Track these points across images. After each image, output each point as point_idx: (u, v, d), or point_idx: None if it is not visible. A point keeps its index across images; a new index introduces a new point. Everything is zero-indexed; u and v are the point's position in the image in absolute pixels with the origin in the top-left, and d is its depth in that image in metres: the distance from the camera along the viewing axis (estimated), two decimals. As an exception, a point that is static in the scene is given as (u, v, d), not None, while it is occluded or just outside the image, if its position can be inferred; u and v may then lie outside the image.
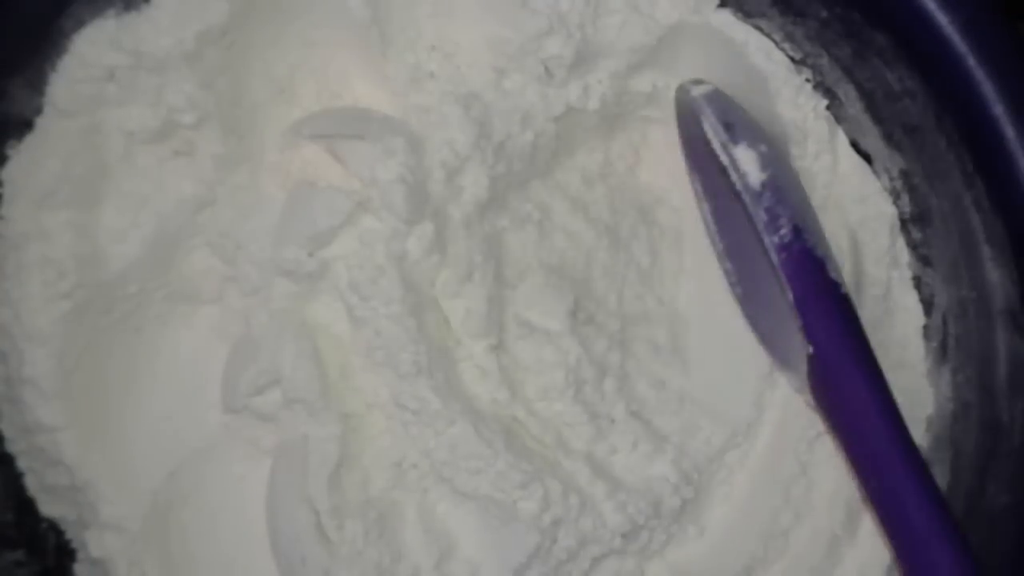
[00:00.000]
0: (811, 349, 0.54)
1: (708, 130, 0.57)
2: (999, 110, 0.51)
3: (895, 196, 0.60)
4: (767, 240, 0.55)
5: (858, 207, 0.60)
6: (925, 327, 0.61)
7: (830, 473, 0.61)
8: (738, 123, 0.57)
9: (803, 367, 0.55)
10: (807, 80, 0.60)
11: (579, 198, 0.62)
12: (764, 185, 0.55)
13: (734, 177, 0.56)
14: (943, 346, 0.60)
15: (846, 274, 0.61)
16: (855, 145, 0.61)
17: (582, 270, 0.61)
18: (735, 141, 0.56)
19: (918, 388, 0.60)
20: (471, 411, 0.55)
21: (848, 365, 0.54)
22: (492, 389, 0.57)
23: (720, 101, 0.58)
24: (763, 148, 0.56)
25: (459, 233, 0.57)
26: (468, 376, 0.57)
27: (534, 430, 0.57)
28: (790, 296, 0.54)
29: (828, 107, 0.61)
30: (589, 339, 0.59)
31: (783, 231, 0.55)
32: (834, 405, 0.54)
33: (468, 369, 0.57)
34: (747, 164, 0.56)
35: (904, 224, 0.60)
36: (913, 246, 0.60)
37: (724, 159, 0.56)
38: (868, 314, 0.60)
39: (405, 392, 0.55)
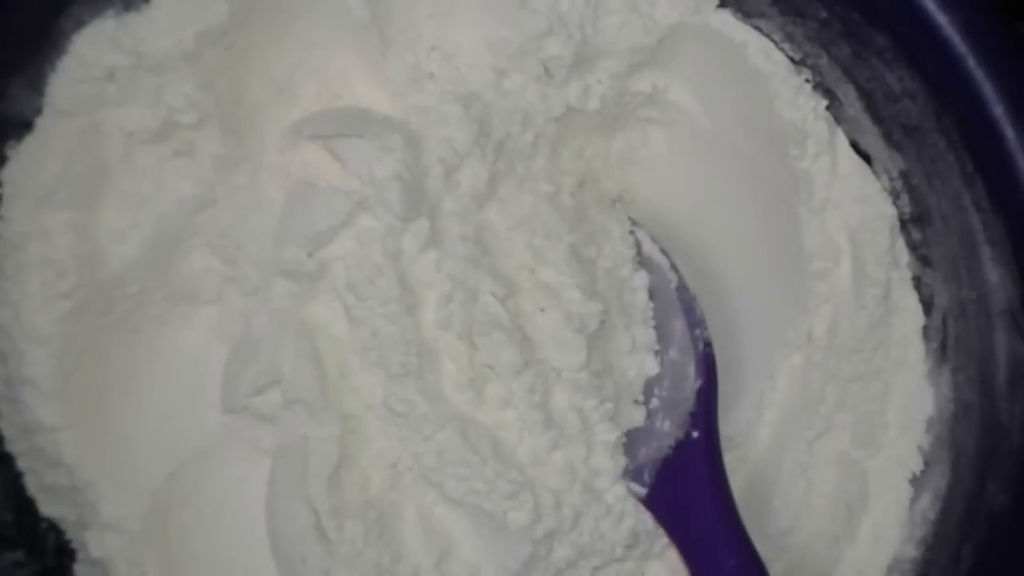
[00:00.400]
0: (696, 434, 0.59)
1: (646, 240, 0.63)
2: (999, 110, 0.51)
3: (895, 196, 0.60)
4: (698, 331, 0.61)
5: (858, 207, 0.60)
6: (925, 327, 0.61)
7: (829, 474, 0.62)
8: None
9: (656, 456, 0.59)
10: (807, 80, 0.60)
11: (576, 192, 0.62)
12: (695, 294, 0.62)
13: (671, 275, 0.62)
14: (943, 346, 0.60)
15: (845, 275, 0.61)
16: (855, 145, 0.61)
17: (580, 270, 0.61)
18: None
19: (918, 388, 0.60)
20: (458, 416, 0.55)
21: (716, 455, 0.59)
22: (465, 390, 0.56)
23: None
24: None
25: (452, 223, 0.56)
26: (449, 379, 0.56)
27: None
28: (697, 384, 0.60)
29: (828, 107, 0.61)
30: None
31: (706, 333, 0.61)
32: (685, 495, 0.58)
33: (451, 372, 0.56)
34: (688, 278, 0.62)
35: (904, 224, 0.60)
36: (913, 246, 0.60)
37: (668, 261, 0.62)
38: (868, 315, 0.60)
39: (394, 394, 0.55)
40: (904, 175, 0.59)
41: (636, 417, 0.59)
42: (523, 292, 0.58)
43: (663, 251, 0.62)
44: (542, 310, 0.57)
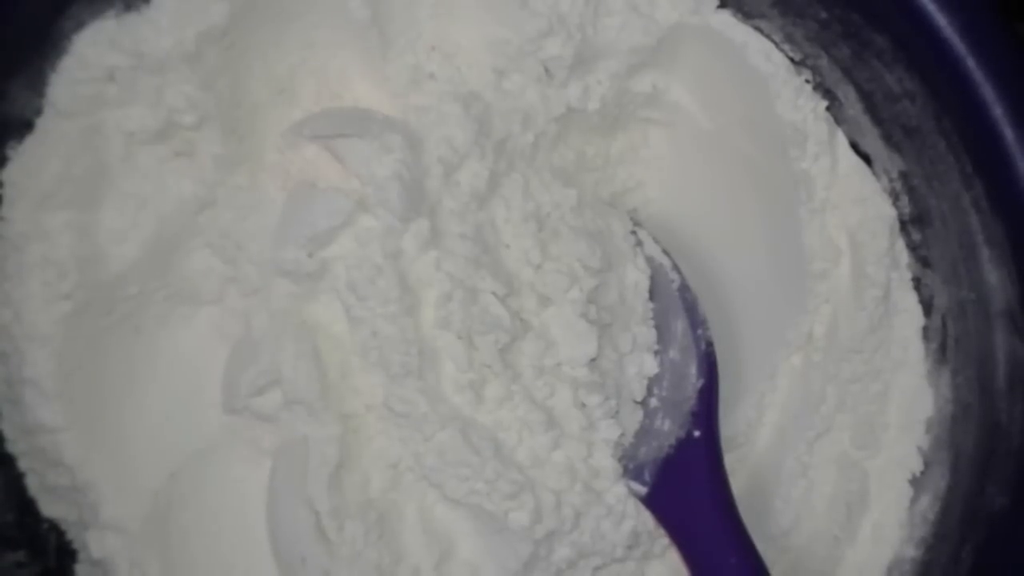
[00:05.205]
0: (697, 434, 0.59)
1: (648, 240, 0.63)
2: (998, 112, 0.51)
3: (895, 197, 0.60)
4: (700, 332, 0.61)
5: (858, 208, 0.61)
6: (925, 328, 0.61)
7: (830, 474, 0.62)
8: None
9: (656, 455, 0.59)
10: (807, 81, 0.60)
11: (577, 191, 0.62)
12: (697, 295, 0.62)
13: (674, 278, 0.62)
14: (943, 347, 0.60)
15: (845, 275, 0.61)
16: (855, 146, 0.61)
17: (588, 261, 0.61)
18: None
19: (918, 389, 0.61)
20: (459, 416, 0.55)
21: (717, 454, 0.59)
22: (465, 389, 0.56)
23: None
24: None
25: (451, 222, 0.56)
26: (448, 380, 0.56)
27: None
28: (699, 384, 0.60)
29: (828, 108, 0.61)
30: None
31: (709, 333, 0.61)
32: (686, 494, 0.58)
33: (451, 372, 0.56)
34: (689, 278, 0.62)
35: (904, 225, 0.60)
36: (913, 247, 0.61)
37: (670, 261, 0.62)
38: (868, 315, 0.60)
39: (394, 394, 0.55)
40: (904, 176, 0.59)
41: (635, 417, 0.59)
42: (526, 289, 0.58)
43: (665, 251, 0.62)
44: (549, 304, 0.57)
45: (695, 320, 0.61)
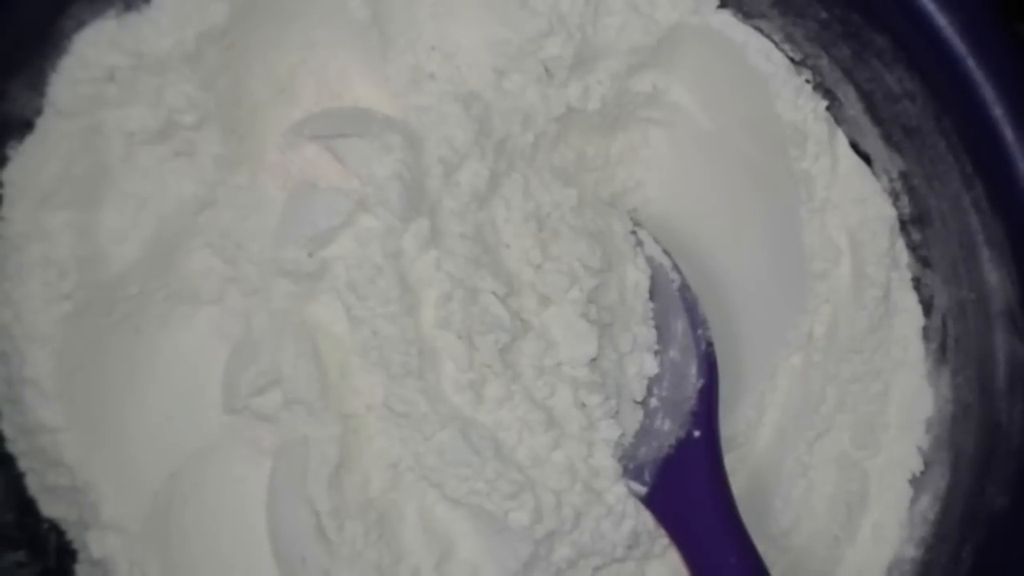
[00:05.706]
0: (697, 434, 0.59)
1: (648, 240, 0.62)
2: (998, 111, 0.51)
3: (895, 197, 0.60)
4: (700, 331, 0.61)
5: (858, 208, 0.61)
6: (925, 328, 0.61)
7: (830, 474, 0.62)
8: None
9: (656, 455, 0.59)
10: (807, 81, 0.60)
11: (577, 192, 0.62)
12: (697, 295, 0.62)
13: (675, 278, 0.62)
14: (943, 347, 0.60)
15: (845, 275, 0.61)
16: (855, 146, 0.61)
17: (588, 261, 0.61)
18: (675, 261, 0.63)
19: (918, 389, 0.61)
20: (459, 416, 0.55)
21: (717, 454, 0.59)
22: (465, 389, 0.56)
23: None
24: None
25: (452, 222, 0.56)
26: (448, 379, 0.56)
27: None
28: (700, 384, 0.60)
29: (828, 108, 0.61)
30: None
31: (709, 333, 0.61)
32: (686, 494, 0.58)
33: (451, 372, 0.56)
34: (689, 278, 0.63)
35: (904, 225, 0.60)
36: (913, 247, 0.61)
37: (670, 261, 0.62)
38: (868, 315, 0.60)
39: (394, 394, 0.55)
40: (904, 176, 0.59)
41: (635, 417, 0.59)
42: (526, 289, 0.58)
43: (665, 251, 0.62)
44: (549, 304, 0.57)
45: (695, 320, 0.61)
